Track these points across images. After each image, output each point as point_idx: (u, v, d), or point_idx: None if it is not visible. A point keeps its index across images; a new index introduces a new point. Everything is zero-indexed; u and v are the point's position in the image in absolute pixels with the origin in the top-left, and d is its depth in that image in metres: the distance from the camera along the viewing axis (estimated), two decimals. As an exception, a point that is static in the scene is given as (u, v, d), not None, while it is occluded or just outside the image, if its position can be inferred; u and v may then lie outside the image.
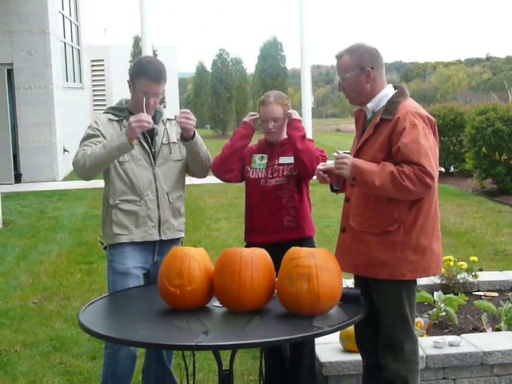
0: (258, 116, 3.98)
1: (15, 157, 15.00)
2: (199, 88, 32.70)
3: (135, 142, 3.76)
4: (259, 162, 3.98)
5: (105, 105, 19.72)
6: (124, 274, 3.78)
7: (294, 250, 3.15)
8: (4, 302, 6.47)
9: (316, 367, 4.02)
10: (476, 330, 4.66)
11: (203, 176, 4.05)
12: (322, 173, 3.42)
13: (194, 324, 3.07)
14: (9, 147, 14.78)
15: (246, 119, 4.02)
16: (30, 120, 14.89)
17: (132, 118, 3.61)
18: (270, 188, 3.92)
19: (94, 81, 25.19)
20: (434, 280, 5.35)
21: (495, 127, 11.44)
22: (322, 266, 3.05)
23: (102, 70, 25.66)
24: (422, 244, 3.27)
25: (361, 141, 3.36)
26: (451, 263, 5.34)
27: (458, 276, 5.36)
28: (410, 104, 3.29)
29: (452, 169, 14.27)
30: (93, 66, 25.05)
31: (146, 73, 3.71)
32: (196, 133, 3.80)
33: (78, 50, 20.35)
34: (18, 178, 14.92)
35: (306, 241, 3.89)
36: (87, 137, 3.77)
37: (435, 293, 4.93)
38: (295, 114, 3.94)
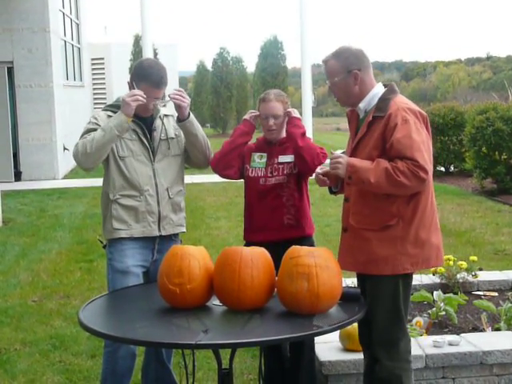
0: (258, 113, 3.98)
1: (15, 155, 15.01)
2: (199, 87, 32.70)
3: (134, 137, 3.79)
4: (258, 160, 3.98)
5: (105, 103, 19.68)
6: (124, 272, 3.78)
7: (294, 249, 3.15)
8: (4, 300, 6.48)
9: (316, 366, 4.02)
10: (475, 329, 4.66)
11: (204, 164, 4.02)
12: (321, 176, 3.44)
13: (193, 323, 3.07)
14: (9, 145, 14.78)
15: (246, 116, 4.03)
16: (31, 118, 14.89)
17: (124, 95, 3.66)
18: (270, 187, 3.92)
19: (94, 79, 25.20)
20: (434, 279, 5.36)
21: (495, 127, 11.44)
22: (322, 265, 3.06)
23: (103, 69, 25.66)
24: (421, 237, 3.30)
25: (355, 140, 3.38)
26: (451, 263, 5.34)
27: (458, 275, 5.36)
28: (401, 100, 3.33)
29: (452, 168, 14.28)
30: (93, 64, 25.06)
31: (147, 78, 3.71)
32: (191, 114, 3.82)
33: (79, 48, 20.35)
34: (18, 176, 14.92)
35: (306, 239, 3.90)
36: (87, 131, 3.78)
37: (435, 292, 4.93)
38: (295, 112, 3.95)
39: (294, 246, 3.20)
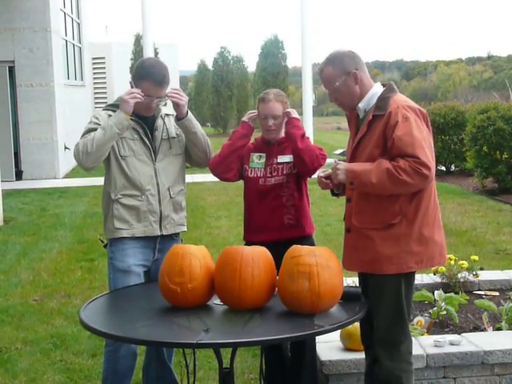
0: (256, 113, 3.97)
1: (16, 154, 15.02)
2: (200, 86, 32.68)
3: (136, 137, 3.79)
4: (257, 161, 3.97)
5: (106, 102, 19.69)
6: (125, 271, 3.78)
7: (295, 249, 3.15)
8: (5, 299, 6.48)
9: (316, 366, 4.02)
10: (477, 329, 4.65)
11: (205, 163, 4.01)
12: (323, 179, 3.43)
13: (194, 322, 3.07)
14: (10, 144, 14.79)
15: (244, 118, 4.01)
16: (31, 117, 14.90)
17: (123, 93, 3.69)
18: (270, 187, 3.92)
19: (95, 78, 25.19)
20: (435, 279, 5.35)
21: (496, 126, 11.43)
22: (322, 265, 3.06)
23: (103, 68, 25.66)
24: (424, 235, 3.30)
25: (356, 140, 3.37)
26: (452, 262, 5.33)
27: (459, 275, 5.35)
28: (400, 98, 3.32)
29: (453, 167, 14.27)
30: (94, 63, 25.05)
31: (149, 76, 3.71)
32: (189, 112, 3.83)
33: (80, 47, 20.36)
34: (18, 176, 14.93)
35: (306, 239, 3.90)
36: (88, 130, 3.78)
37: (436, 292, 4.93)
38: (294, 113, 3.95)
39: (294, 246, 3.19)
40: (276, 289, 3.18)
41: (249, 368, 4.70)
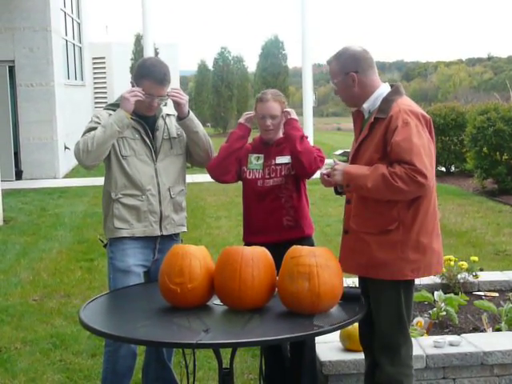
0: (253, 114, 3.96)
1: (16, 154, 15.02)
2: (200, 86, 32.71)
3: (137, 137, 3.79)
4: (255, 162, 3.96)
5: (106, 102, 19.70)
6: (125, 271, 3.78)
7: (295, 249, 3.15)
8: (4, 298, 6.48)
9: (316, 366, 4.02)
10: (476, 329, 4.66)
11: (207, 162, 3.99)
12: (326, 177, 3.40)
13: (194, 322, 3.07)
14: (10, 144, 14.79)
15: (241, 120, 4.00)
16: (32, 117, 14.90)
17: (124, 92, 3.70)
18: (268, 188, 3.90)
19: (95, 78, 25.21)
20: (435, 279, 5.35)
21: (496, 127, 11.44)
22: (322, 265, 3.05)
23: (104, 68, 25.68)
24: (422, 242, 3.26)
25: (358, 142, 3.35)
26: (452, 263, 5.34)
27: (459, 276, 5.35)
28: (404, 102, 3.26)
29: (453, 168, 14.28)
30: (94, 63, 25.06)
31: (150, 75, 3.71)
32: (190, 111, 3.84)
33: (80, 47, 20.36)
34: (18, 175, 14.93)
35: (306, 240, 3.89)
36: (88, 129, 3.78)
37: (435, 292, 4.93)
38: (293, 113, 3.93)
39: (294, 246, 3.19)
40: (276, 289, 3.18)
41: (248, 368, 4.70)
